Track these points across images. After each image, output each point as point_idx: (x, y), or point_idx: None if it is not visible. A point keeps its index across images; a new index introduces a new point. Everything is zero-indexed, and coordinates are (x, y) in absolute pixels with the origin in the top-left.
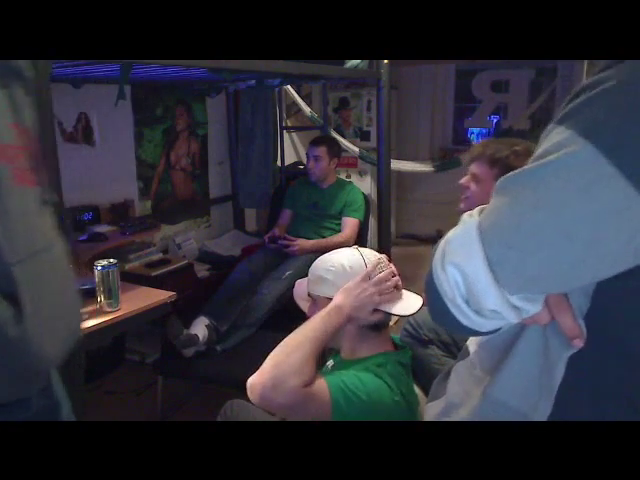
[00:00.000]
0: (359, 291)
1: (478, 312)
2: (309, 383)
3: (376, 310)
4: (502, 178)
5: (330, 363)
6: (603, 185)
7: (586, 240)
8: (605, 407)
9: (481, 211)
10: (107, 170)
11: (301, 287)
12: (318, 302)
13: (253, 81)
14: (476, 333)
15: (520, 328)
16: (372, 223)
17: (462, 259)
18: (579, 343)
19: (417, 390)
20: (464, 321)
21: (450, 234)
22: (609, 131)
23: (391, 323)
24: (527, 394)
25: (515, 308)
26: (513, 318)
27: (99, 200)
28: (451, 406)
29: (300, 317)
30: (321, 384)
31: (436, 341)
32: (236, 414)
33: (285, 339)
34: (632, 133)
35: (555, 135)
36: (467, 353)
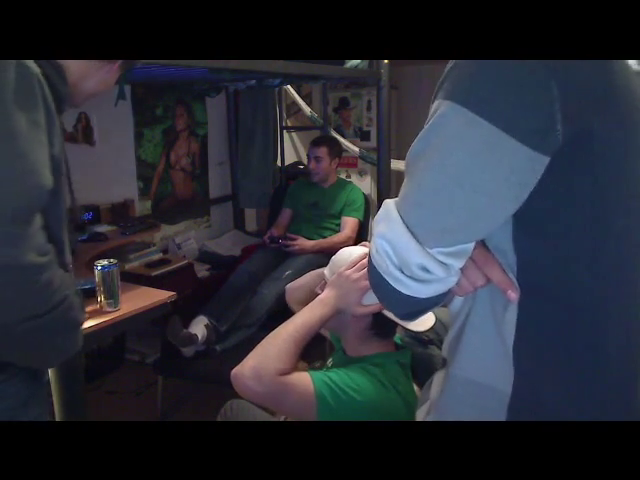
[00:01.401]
0: (342, 279)
1: (412, 276)
2: (287, 372)
3: (365, 305)
4: (405, 159)
5: (330, 361)
6: (471, 130)
7: (473, 184)
8: (561, 361)
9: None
10: (107, 170)
11: (294, 292)
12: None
13: (253, 81)
14: (419, 303)
15: (470, 306)
16: (372, 223)
17: (385, 229)
18: (513, 295)
19: (417, 390)
20: (403, 290)
21: (375, 219)
22: (462, 88)
23: None
24: (487, 366)
25: (441, 263)
26: (442, 273)
27: (99, 200)
28: (441, 413)
29: None
30: (303, 377)
31: (436, 341)
32: (236, 414)
33: (271, 333)
34: (481, 83)
35: (431, 110)
36: (445, 361)
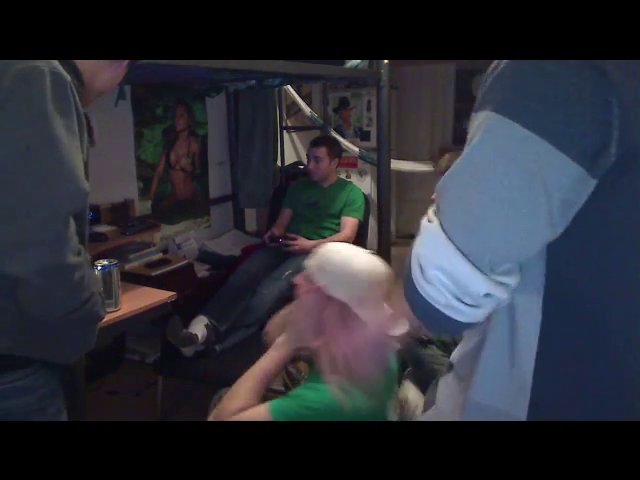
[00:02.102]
0: (297, 316)
1: (472, 304)
2: (244, 409)
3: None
4: (443, 177)
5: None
6: (521, 146)
7: (527, 205)
8: (581, 385)
9: (434, 211)
10: (107, 170)
11: (273, 331)
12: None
13: (253, 81)
14: (469, 325)
15: (485, 329)
16: (372, 223)
17: (440, 260)
18: None
19: (415, 390)
20: (461, 318)
21: (418, 248)
22: (514, 100)
23: None
24: (503, 392)
25: (501, 284)
26: (504, 294)
27: (99, 200)
28: (441, 415)
29: None
30: (261, 409)
31: (436, 341)
32: None
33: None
34: (535, 97)
35: (475, 121)
36: (451, 366)
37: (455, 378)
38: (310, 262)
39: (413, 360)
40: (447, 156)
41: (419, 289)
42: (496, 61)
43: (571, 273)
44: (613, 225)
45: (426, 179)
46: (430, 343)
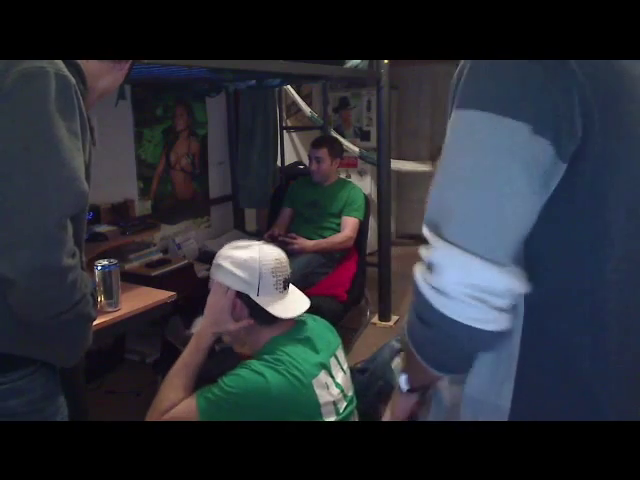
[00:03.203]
0: (210, 309)
1: (501, 307)
2: (174, 405)
3: (239, 317)
4: (427, 205)
5: None
6: (483, 128)
7: (498, 183)
8: (563, 373)
9: (426, 245)
10: (107, 170)
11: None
12: (213, 286)
13: (253, 81)
14: (503, 335)
15: None
16: (372, 223)
17: (458, 273)
18: None
19: None
20: (493, 327)
21: (429, 278)
22: (476, 92)
23: (390, 323)
24: (494, 384)
25: (517, 276)
26: (523, 286)
27: (99, 200)
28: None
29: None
30: (188, 402)
31: None
32: None
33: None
34: (494, 83)
35: (451, 122)
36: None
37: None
38: (212, 263)
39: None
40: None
41: (441, 309)
42: (460, 65)
43: (546, 262)
44: (584, 227)
45: (426, 179)
46: None
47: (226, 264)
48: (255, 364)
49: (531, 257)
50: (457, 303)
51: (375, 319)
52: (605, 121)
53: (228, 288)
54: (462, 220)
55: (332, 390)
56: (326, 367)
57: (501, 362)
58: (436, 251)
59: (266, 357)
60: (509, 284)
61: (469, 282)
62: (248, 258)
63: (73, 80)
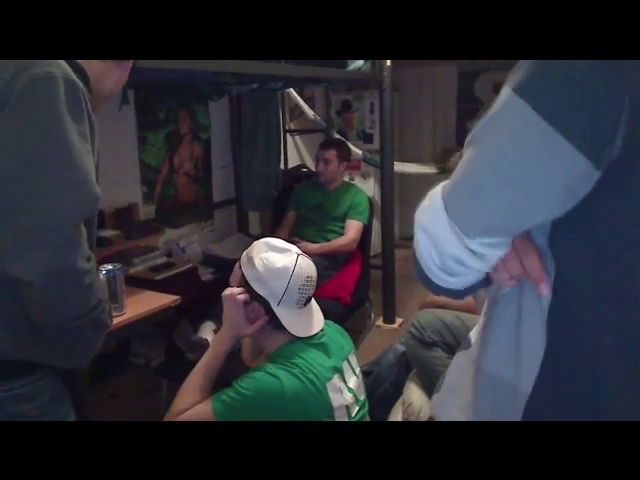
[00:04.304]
0: (225, 313)
1: (445, 270)
2: (191, 408)
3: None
4: (465, 141)
5: None
6: (528, 127)
7: (523, 184)
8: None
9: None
10: (111, 174)
11: (244, 354)
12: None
13: (256, 84)
14: (456, 292)
15: (494, 305)
16: (375, 225)
17: (426, 220)
18: (544, 289)
19: (420, 392)
20: (440, 283)
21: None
22: (532, 82)
23: (395, 326)
24: (512, 363)
25: (477, 256)
26: (477, 264)
27: (103, 204)
28: (448, 390)
29: None
30: (204, 405)
31: (440, 343)
32: None
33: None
34: (551, 82)
35: (499, 97)
36: (469, 344)
37: (469, 354)
38: (246, 251)
39: (417, 362)
40: (458, 154)
41: (414, 247)
42: None
43: (574, 254)
44: (619, 228)
45: (429, 181)
46: (435, 345)
47: (259, 263)
48: (270, 367)
49: (562, 247)
50: (418, 247)
51: (379, 321)
52: None
53: (247, 285)
54: (467, 181)
55: (345, 394)
56: (339, 371)
57: (525, 343)
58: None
59: (281, 360)
60: (458, 253)
61: (429, 230)
62: (282, 267)
63: (81, 84)
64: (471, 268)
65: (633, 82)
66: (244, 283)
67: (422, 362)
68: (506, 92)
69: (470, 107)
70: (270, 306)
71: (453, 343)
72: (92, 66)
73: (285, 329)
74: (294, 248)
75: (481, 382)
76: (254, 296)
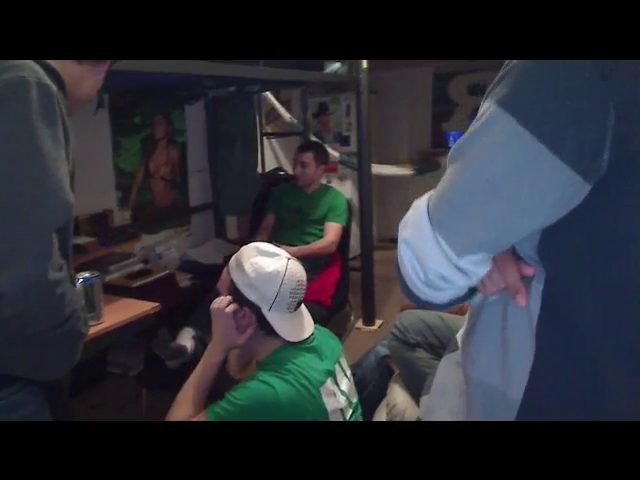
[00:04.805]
0: (215, 326)
1: (428, 284)
2: (187, 418)
3: (245, 327)
4: (447, 156)
5: None
6: (515, 142)
7: (508, 195)
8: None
9: (431, 193)
10: (85, 180)
11: (230, 366)
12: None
13: (233, 87)
14: (432, 305)
15: (479, 312)
16: (353, 228)
17: (411, 234)
18: (521, 300)
19: (404, 394)
20: (421, 296)
21: (403, 220)
22: (516, 96)
23: (375, 327)
24: (500, 370)
25: (461, 271)
26: (461, 282)
27: (77, 211)
28: (438, 393)
29: None
30: (198, 418)
31: (423, 344)
32: None
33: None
34: (536, 95)
35: (481, 110)
36: (456, 346)
37: (456, 357)
38: (235, 256)
39: (401, 364)
40: None
41: (397, 259)
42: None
43: (565, 279)
44: (612, 231)
45: (406, 182)
46: (418, 346)
47: (249, 268)
48: (262, 375)
49: (555, 253)
50: (401, 261)
51: (359, 324)
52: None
53: (237, 291)
54: (452, 197)
55: (339, 397)
56: (332, 374)
57: (512, 349)
58: (418, 201)
59: (273, 367)
60: (443, 270)
61: (411, 243)
62: (273, 271)
63: (55, 88)
64: (455, 284)
65: (616, 90)
66: (233, 289)
67: (406, 363)
68: (490, 106)
69: (445, 109)
70: (261, 312)
71: (436, 343)
72: (67, 69)
73: (276, 334)
74: (283, 252)
75: (472, 390)
76: (244, 302)
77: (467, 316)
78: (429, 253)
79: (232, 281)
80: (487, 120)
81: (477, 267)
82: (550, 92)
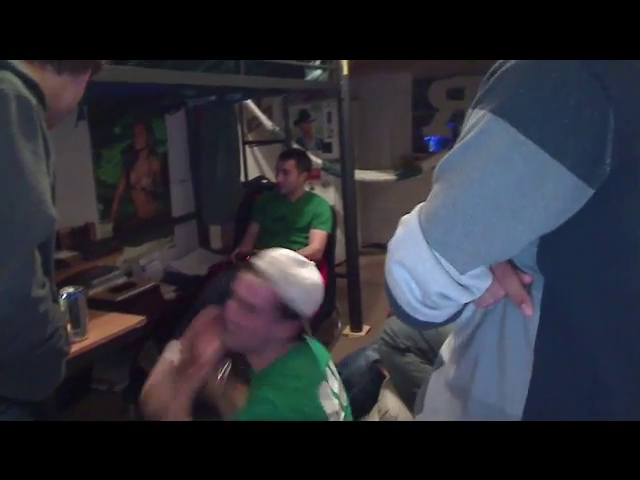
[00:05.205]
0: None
1: (429, 305)
2: None
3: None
4: (435, 170)
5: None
6: (517, 153)
7: (512, 210)
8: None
9: (420, 209)
10: (65, 193)
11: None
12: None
13: (214, 96)
14: (434, 324)
15: (478, 325)
16: (338, 234)
17: (405, 254)
18: (527, 310)
19: (396, 399)
20: (420, 317)
21: (393, 237)
22: (514, 104)
23: (362, 333)
24: (502, 389)
25: (464, 288)
26: (464, 298)
27: (58, 224)
28: (431, 413)
29: None
30: None
31: (413, 349)
32: None
33: None
34: (534, 104)
35: (472, 119)
36: (441, 362)
37: (445, 373)
38: (274, 269)
39: (392, 368)
40: None
41: (386, 279)
42: (500, 60)
43: (566, 286)
44: (613, 235)
45: (389, 187)
46: (407, 351)
47: (296, 281)
48: (261, 393)
49: (556, 260)
50: (397, 285)
51: (347, 330)
52: None
53: (282, 306)
54: (449, 214)
55: (333, 400)
56: (325, 377)
57: (510, 364)
58: (406, 218)
59: (275, 379)
60: (444, 289)
61: (407, 265)
62: (315, 281)
63: (34, 101)
64: (457, 302)
65: (614, 93)
66: (278, 303)
67: (396, 368)
68: (483, 115)
69: (425, 113)
70: (296, 316)
71: (426, 348)
72: (46, 81)
73: (286, 342)
74: (306, 259)
75: (471, 407)
76: (290, 315)
77: (454, 331)
78: (429, 273)
79: (277, 294)
80: (483, 130)
81: (479, 281)
82: (549, 99)
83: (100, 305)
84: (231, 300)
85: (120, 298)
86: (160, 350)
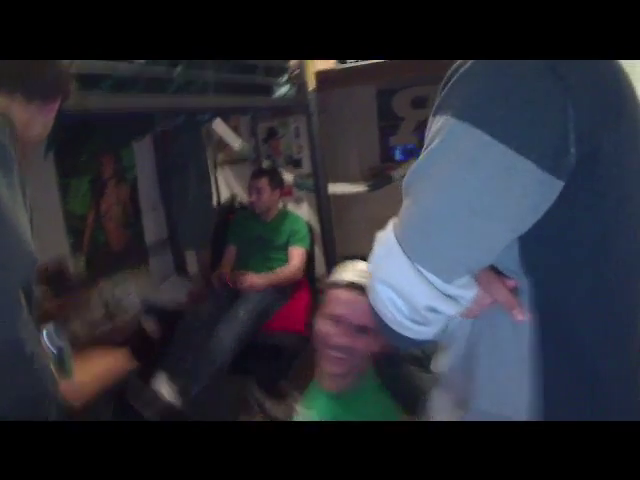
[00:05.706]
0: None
1: (418, 321)
2: None
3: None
4: (403, 182)
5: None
6: (484, 153)
7: (486, 209)
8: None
9: (394, 223)
10: (33, 228)
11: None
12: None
13: (182, 118)
14: (424, 341)
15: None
16: (316, 250)
17: (386, 272)
18: (519, 316)
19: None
20: (410, 335)
21: (371, 256)
22: (474, 106)
23: None
24: (507, 399)
25: (451, 299)
26: (452, 310)
27: None
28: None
29: (268, 355)
30: None
31: (408, 357)
32: None
33: None
34: (494, 102)
35: (434, 126)
36: (438, 379)
37: (444, 388)
38: (362, 282)
39: (389, 380)
40: None
41: (372, 303)
42: (456, 64)
43: (555, 283)
44: (589, 229)
45: (361, 199)
46: (402, 360)
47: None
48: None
49: (538, 258)
50: (382, 304)
51: None
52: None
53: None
54: (424, 225)
55: None
56: None
57: (505, 373)
58: (381, 235)
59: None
60: (430, 302)
61: (390, 282)
62: None
63: (6, 132)
64: (445, 314)
65: (572, 83)
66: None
67: (395, 379)
68: (446, 121)
69: (390, 123)
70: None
71: (420, 355)
72: (16, 113)
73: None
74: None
75: (473, 417)
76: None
77: (446, 345)
78: (414, 287)
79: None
80: (447, 135)
81: (465, 290)
82: (507, 95)
83: (79, 342)
84: (326, 323)
85: (98, 332)
86: (145, 384)
